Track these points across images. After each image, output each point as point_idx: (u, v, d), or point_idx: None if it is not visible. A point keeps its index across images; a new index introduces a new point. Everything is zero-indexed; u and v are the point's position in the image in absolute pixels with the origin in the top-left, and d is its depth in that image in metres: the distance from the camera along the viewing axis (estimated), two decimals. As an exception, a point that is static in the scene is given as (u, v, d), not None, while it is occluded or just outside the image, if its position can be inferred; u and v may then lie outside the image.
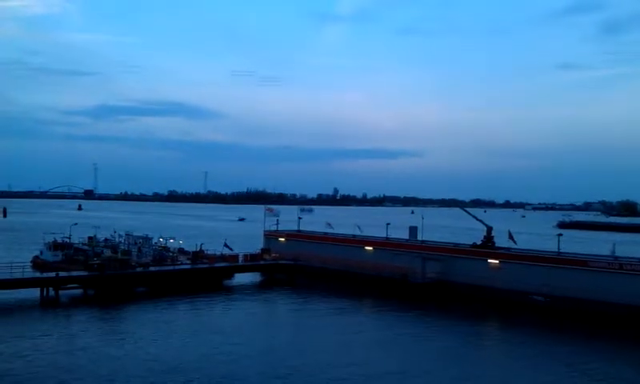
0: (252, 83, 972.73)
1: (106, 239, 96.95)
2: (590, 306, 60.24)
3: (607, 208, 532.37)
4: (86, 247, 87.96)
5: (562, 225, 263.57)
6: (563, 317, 60.36)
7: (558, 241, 71.11)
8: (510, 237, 78.66)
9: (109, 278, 67.02)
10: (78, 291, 66.41)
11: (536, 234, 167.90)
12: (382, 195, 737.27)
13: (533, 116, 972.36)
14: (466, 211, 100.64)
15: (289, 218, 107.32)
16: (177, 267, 75.97)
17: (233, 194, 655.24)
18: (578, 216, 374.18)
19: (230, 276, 79.88)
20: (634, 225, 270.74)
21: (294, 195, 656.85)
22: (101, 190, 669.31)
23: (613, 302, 59.10)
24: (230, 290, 73.60)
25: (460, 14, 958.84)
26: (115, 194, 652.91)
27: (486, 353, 48.44)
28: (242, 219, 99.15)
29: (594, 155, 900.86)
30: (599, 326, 56.78)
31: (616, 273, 60.86)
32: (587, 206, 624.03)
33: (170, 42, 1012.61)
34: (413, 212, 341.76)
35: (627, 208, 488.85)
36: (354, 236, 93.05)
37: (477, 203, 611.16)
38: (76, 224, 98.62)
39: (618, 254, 69.20)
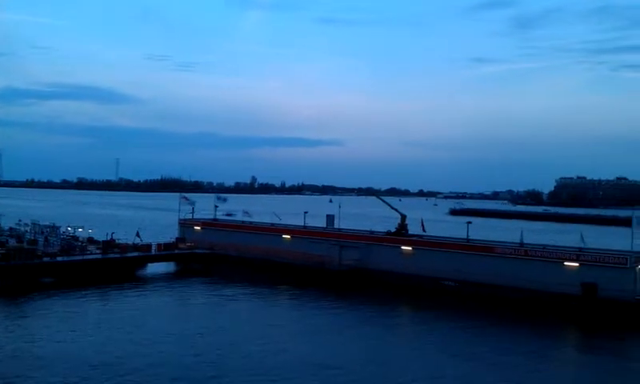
0: (168, 68, 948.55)
1: (10, 228, 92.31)
2: (497, 291, 62.97)
3: (514, 197, 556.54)
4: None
5: (454, 212, 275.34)
6: (472, 301, 62.76)
7: (467, 228, 73.82)
8: (422, 225, 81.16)
9: (14, 268, 63.84)
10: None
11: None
12: (300, 183, 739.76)
13: (449, 108, 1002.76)
14: (381, 200, 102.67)
15: (205, 206, 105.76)
16: (86, 257, 73.17)
17: (146, 181, 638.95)
18: (489, 204, 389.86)
19: (143, 266, 77.86)
20: (527, 213, 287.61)
21: (211, 183, 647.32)
22: (6, 177, 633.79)
23: (518, 287, 62.03)
24: (143, 281, 71.80)
25: (380, 5, 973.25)
26: (21, 181, 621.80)
27: (395, 336, 49.71)
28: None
29: (505, 146, 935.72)
30: (504, 310, 59.55)
31: (522, 259, 63.95)
32: (495, 195, 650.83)
33: (82, 23, 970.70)
34: (331, 200, 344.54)
35: (533, 197, 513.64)
36: (272, 224, 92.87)
37: (392, 192, 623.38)
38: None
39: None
